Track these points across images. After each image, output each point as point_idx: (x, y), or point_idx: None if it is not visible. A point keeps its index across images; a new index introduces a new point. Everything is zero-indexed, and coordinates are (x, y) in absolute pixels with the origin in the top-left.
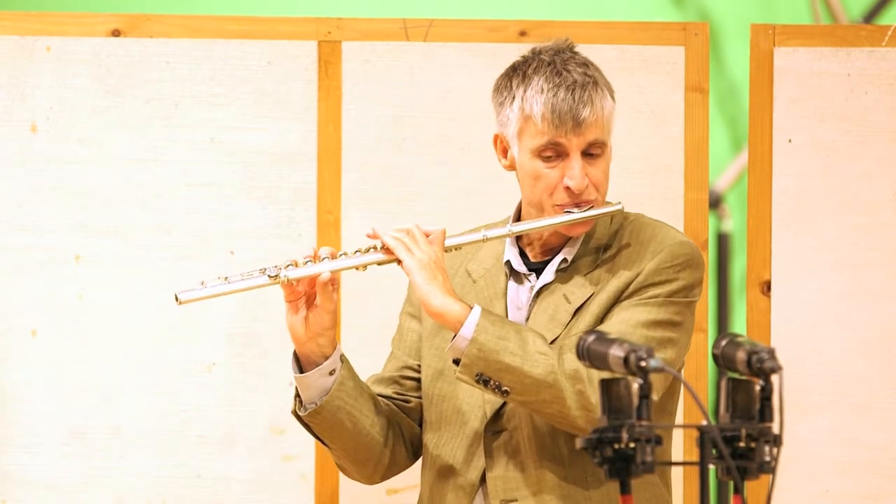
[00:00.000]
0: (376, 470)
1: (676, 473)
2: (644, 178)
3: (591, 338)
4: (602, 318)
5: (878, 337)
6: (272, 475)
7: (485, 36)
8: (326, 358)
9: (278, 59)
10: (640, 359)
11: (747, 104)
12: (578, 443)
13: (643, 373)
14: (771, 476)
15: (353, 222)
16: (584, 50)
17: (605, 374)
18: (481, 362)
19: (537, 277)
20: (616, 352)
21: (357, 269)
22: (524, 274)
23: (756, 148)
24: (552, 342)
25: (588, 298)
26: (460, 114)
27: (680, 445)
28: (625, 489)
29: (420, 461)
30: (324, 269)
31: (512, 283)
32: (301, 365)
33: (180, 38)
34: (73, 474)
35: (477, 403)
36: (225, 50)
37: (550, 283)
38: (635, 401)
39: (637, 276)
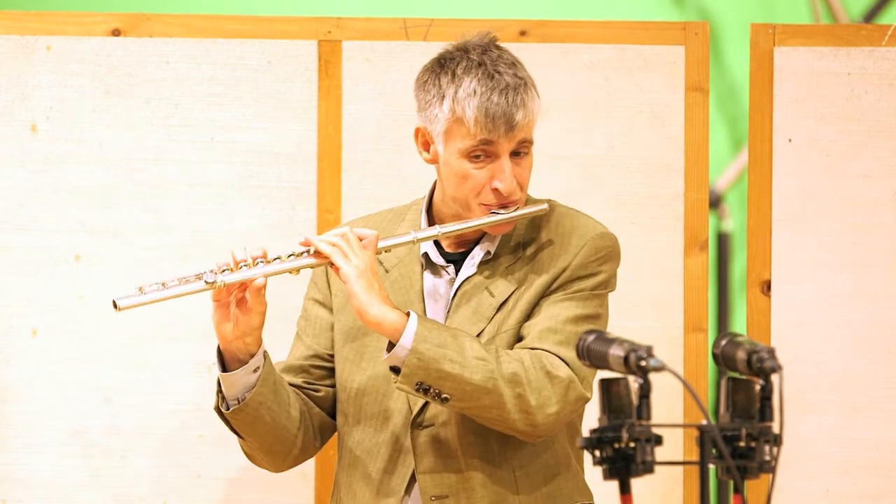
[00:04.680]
0: (286, 460)
1: (676, 473)
2: (644, 178)
3: (591, 337)
4: (528, 313)
5: (878, 337)
6: (272, 475)
7: None
8: (251, 355)
9: (278, 59)
10: (640, 358)
11: (747, 104)
12: (579, 442)
13: (643, 372)
14: (771, 475)
15: None
16: (584, 50)
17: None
18: (421, 371)
19: (455, 269)
20: (616, 351)
21: (290, 272)
22: (441, 266)
23: (756, 148)
24: (477, 335)
25: (512, 293)
26: None
27: (680, 445)
28: (624, 489)
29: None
30: (258, 274)
31: (427, 274)
32: (224, 362)
33: (180, 38)
34: (73, 474)
35: (401, 398)
36: (225, 50)
37: (472, 275)
38: (635, 400)
39: (563, 271)
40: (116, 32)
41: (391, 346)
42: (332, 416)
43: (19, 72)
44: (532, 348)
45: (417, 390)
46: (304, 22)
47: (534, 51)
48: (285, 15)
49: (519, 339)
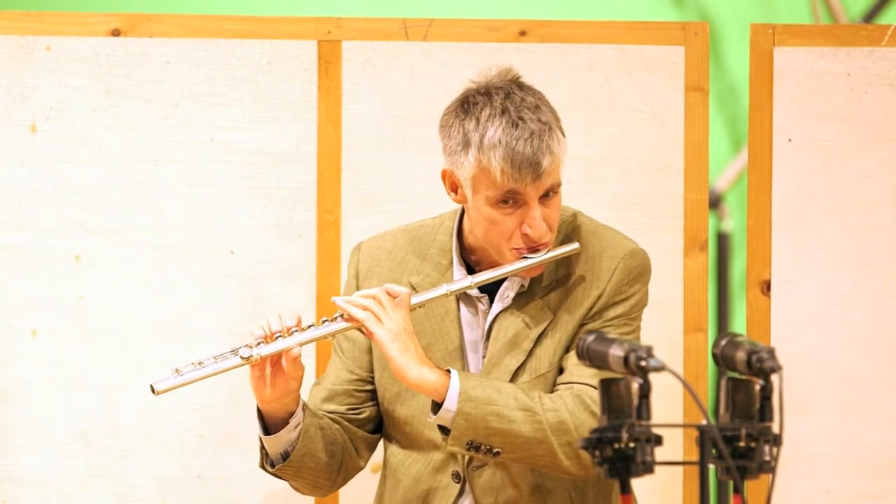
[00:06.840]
0: (332, 487)
1: (676, 473)
2: (644, 178)
3: (591, 338)
4: (568, 345)
5: (878, 337)
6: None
7: (485, 36)
8: (291, 414)
9: (278, 59)
10: (640, 358)
11: (747, 104)
12: (579, 443)
13: (643, 372)
14: (771, 476)
15: (353, 222)
16: (584, 50)
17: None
18: (471, 431)
19: (489, 299)
20: (616, 351)
21: (326, 338)
22: (476, 297)
23: (756, 148)
24: (518, 369)
25: (549, 323)
26: None
27: (680, 445)
28: (625, 489)
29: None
30: (293, 345)
31: (461, 304)
32: (265, 419)
33: (180, 38)
34: (73, 474)
35: None
36: (225, 50)
37: (507, 307)
38: (635, 400)
39: (598, 299)
40: (116, 32)
41: (436, 405)
42: (377, 429)
43: (19, 72)
44: (571, 383)
45: (468, 449)
46: (304, 22)
47: (534, 51)
48: (285, 15)
49: (560, 370)
